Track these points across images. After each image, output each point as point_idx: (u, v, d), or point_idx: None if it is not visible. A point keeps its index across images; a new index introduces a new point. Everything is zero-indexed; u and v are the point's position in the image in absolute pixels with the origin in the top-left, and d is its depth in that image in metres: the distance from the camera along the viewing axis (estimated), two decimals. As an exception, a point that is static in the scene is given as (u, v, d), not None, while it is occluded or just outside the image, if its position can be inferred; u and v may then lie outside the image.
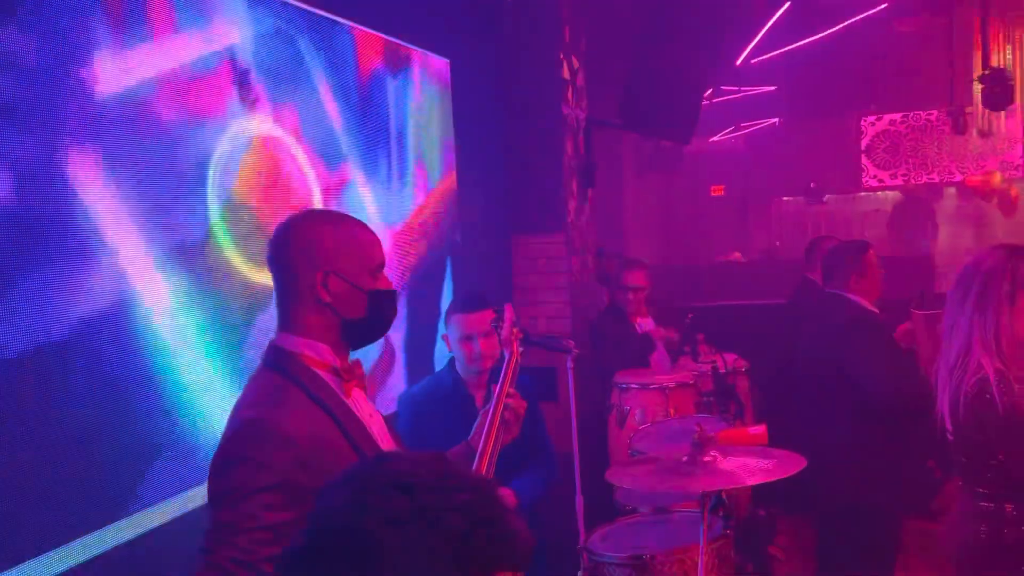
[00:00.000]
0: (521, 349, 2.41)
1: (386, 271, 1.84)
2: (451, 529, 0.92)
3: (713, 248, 11.84)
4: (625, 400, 4.35)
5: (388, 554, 0.90)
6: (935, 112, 11.50)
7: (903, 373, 3.58)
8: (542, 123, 5.09)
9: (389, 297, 1.81)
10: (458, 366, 3.09)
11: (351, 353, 1.82)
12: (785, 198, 12.96)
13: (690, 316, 4.48)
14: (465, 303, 3.08)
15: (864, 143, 12.16)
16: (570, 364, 3.14)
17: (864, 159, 12.20)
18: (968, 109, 7.35)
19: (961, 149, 11.42)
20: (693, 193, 12.34)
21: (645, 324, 4.85)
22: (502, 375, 2.23)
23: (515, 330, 2.37)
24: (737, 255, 10.81)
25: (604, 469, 2.76)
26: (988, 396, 2.41)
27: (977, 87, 6.90)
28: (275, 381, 1.70)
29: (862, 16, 6.37)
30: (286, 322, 1.76)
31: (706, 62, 4.94)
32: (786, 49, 6.86)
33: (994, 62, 6.43)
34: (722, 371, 4.05)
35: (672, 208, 11.93)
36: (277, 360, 1.73)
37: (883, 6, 6.22)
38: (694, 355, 4.42)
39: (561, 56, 5.09)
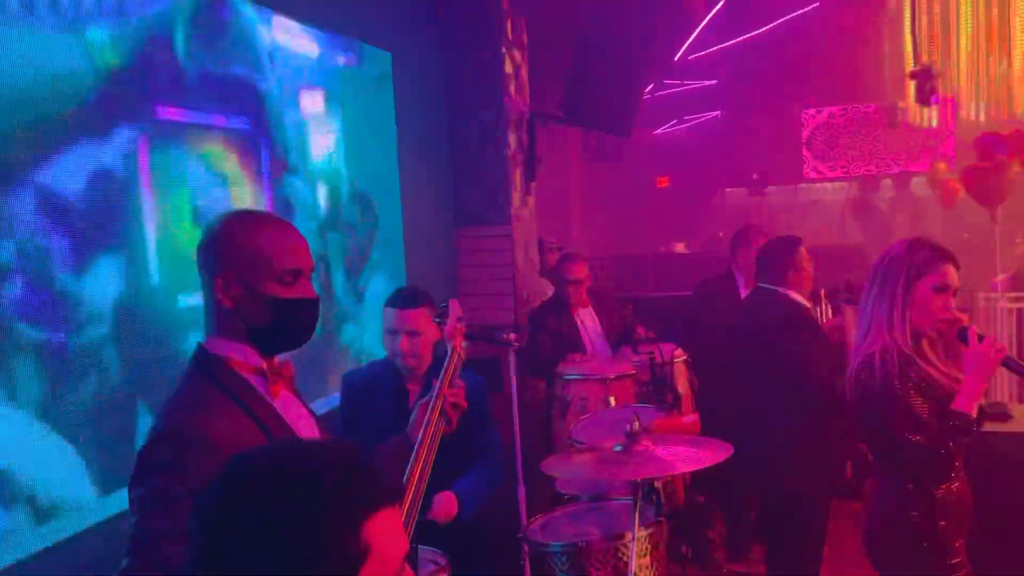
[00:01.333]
0: (465, 344, 2.45)
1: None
2: (319, 484, 0.97)
3: (659, 239, 12.00)
4: (567, 391, 4.41)
5: (269, 527, 0.95)
6: (872, 105, 11.82)
7: (833, 365, 3.71)
8: (485, 116, 5.12)
9: (300, 306, 1.72)
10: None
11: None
12: (728, 190, 13.19)
13: (630, 307, 4.55)
14: (396, 298, 3.05)
15: (804, 135, 12.44)
16: (512, 357, 3.20)
17: (805, 151, 12.48)
18: (901, 104, 7.57)
19: (898, 142, 11.75)
20: (638, 185, 12.50)
21: (585, 315, 4.91)
22: (444, 368, 2.26)
23: (459, 325, 2.40)
24: (680, 246, 10.97)
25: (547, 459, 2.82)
26: (870, 370, 2.51)
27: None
28: (199, 385, 1.68)
29: (796, 14, 6.51)
30: (209, 324, 1.74)
31: (644, 58, 5.02)
32: (723, 46, 6.99)
33: (925, 57, 6.63)
34: (659, 361, 4.13)
35: (618, 199, 12.05)
36: (202, 363, 1.71)
37: (815, 5, 6.37)
38: (633, 345, 4.50)
39: (503, 49, 5.12)
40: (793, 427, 3.69)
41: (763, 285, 3.92)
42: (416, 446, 2.08)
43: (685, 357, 4.70)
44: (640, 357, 4.50)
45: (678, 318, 5.04)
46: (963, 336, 2.53)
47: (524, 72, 5.40)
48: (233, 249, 1.69)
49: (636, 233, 12.16)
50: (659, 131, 11.55)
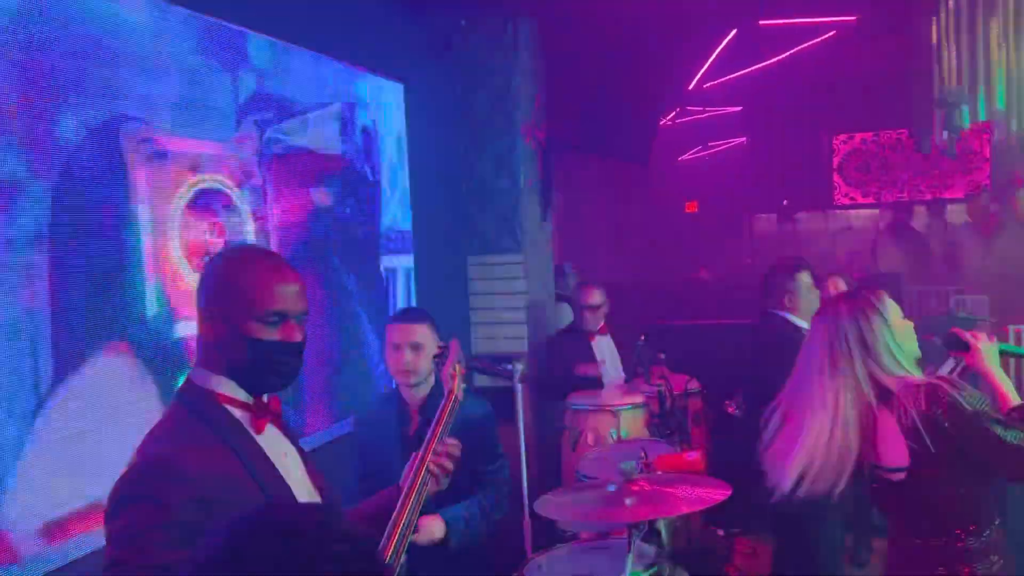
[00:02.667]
0: (463, 385, 2.40)
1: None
2: None
3: (686, 266, 11.89)
4: (577, 421, 4.35)
5: None
6: (905, 131, 11.64)
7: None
8: (500, 145, 5.12)
9: (278, 349, 1.70)
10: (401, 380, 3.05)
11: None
12: (758, 216, 13.06)
13: (643, 336, 4.49)
14: (398, 313, 3.09)
15: (836, 161, 12.29)
16: (518, 386, 3.15)
17: (836, 177, 12.33)
18: (938, 134, 7.43)
19: (932, 168, 11.56)
20: (665, 211, 12.41)
21: (602, 343, 4.86)
22: (436, 417, 2.20)
23: (459, 366, 2.35)
24: (704, 273, 10.86)
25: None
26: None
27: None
28: (181, 418, 1.68)
29: (813, 42, 6.46)
30: (197, 356, 1.76)
31: (660, 86, 4.99)
32: (740, 74, 6.94)
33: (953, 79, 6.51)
34: (676, 392, 4.07)
35: (644, 226, 11.99)
36: (186, 395, 1.72)
37: (831, 34, 6.30)
38: (647, 376, 4.43)
39: (518, 78, 5.12)
40: None
41: (768, 310, 3.90)
42: (401, 499, 2.03)
43: (699, 388, 4.62)
44: (652, 388, 4.44)
45: (697, 347, 4.96)
46: (957, 342, 2.41)
47: (540, 101, 5.39)
48: (219, 284, 1.70)
49: (663, 260, 12.07)
50: (684, 158, 11.48)
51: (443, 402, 2.27)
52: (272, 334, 1.69)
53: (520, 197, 5.12)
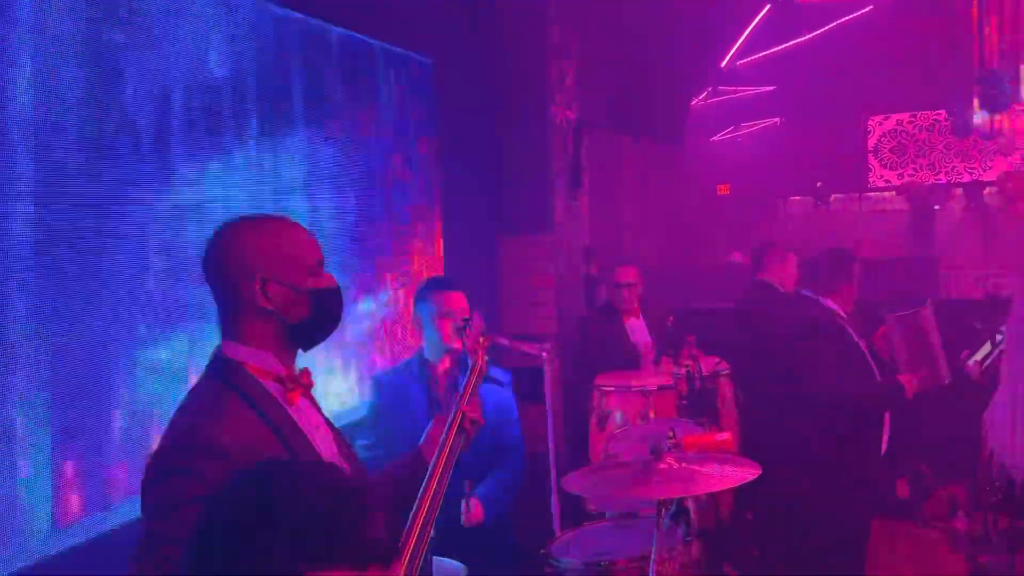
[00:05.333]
0: (487, 358, 2.41)
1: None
2: (290, 515, 0.99)
3: (716, 249, 11.78)
4: (606, 402, 4.34)
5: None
6: (942, 112, 11.42)
7: (856, 376, 3.63)
8: (530, 124, 5.09)
9: (333, 293, 1.77)
10: (429, 347, 3.08)
11: (301, 356, 1.79)
12: (792, 198, 12.90)
13: (671, 319, 4.46)
14: (444, 282, 3.16)
15: (871, 143, 12.09)
16: (546, 366, 3.17)
17: (871, 159, 12.13)
18: (975, 114, 7.25)
19: (970, 150, 11.34)
20: (695, 193, 12.28)
21: (636, 327, 4.84)
22: (463, 384, 2.22)
23: (482, 339, 2.37)
24: (737, 255, 10.74)
25: (584, 471, 2.77)
26: None
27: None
28: (215, 390, 1.68)
29: (849, 17, 6.33)
30: (228, 331, 1.73)
31: (692, 65, 4.92)
32: (774, 51, 6.82)
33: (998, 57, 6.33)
34: (705, 374, 4.04)
35: (673, 208, 11.87)
36: (219, 369, 1.71)
37: (868, 8, 6.17)
38: (676, 358, 4.40)
39: (549, 57, 5.08)
40: (813, 439, 3.60)
41: (804, 292, 3.87)
42: (432, 464, 2.03)
43: (728, 370, 4.59)
44: (681, 369, 4.41)
45: (728, 330, 4.93)
46: None
47: (571, 80, 5.35)
48: (266, 252, 1.70)
49: (692, 242, 11.95)
50: (716, 138, 11.35)
51: (470, 370, 2.28)
52: (323, 282, 1.74)
53: (550, 177, 5.09)
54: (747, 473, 2.43)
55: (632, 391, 4.26)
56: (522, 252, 5.12)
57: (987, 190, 11.48)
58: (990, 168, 11.33)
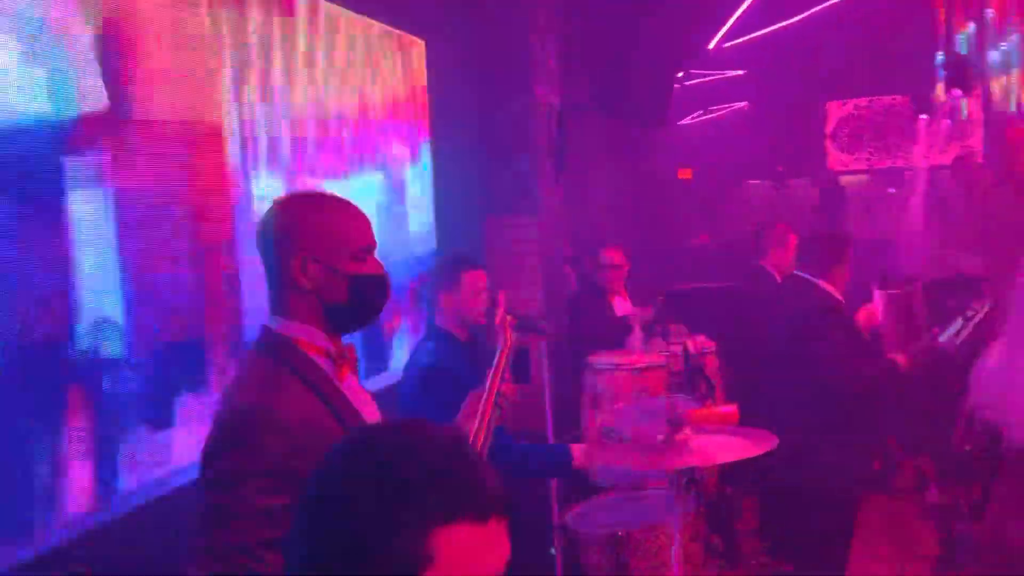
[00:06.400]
0: (515, 335, 2.46)
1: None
2: (410, 475, 0.98)
3: (680, 232, 11.90)
4: (597, 381, 4.40)
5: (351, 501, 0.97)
6: (898, 97, 11.70)
7: (863, 356, 3.72)
8: (515, 106, 5.11)
9: (375, 281, 1.75)
10: (457, 323, 3.13)
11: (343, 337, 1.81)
12: (752, 182, 13.09)
13: (661, 298, 4.54)
14: (472, 260, 3.22)
15: (829, 128, 12.33)
16: (544, 345, 3.22)
17: (828, 143, 12.38)
18: (934, 94, 7.47)
19: (924, 134, 11.62)
20: (660, 177, 12.40)
21: (623, 305, 4.91)
22: (496, 361, 2.26)
23: (508, 317, 2.41)
24: (705, 238, 10.92)
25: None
26: None
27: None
28: (269, 366, 1.69)
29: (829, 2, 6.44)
30: (276, 306, 1.75)
31: (676, 47, 4.98)
32: (758, 34, 6.92)
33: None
34: (694, 351, 4.12)
35: (640, 191, 11.98)
36: (270, 345, 1.72)
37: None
38: (665, 336, 4.48)
39: (533, 39, 5.10)
40: (819, 418, 3.69)
41: (799, 274, 3.93)
42: (473, 434, 2.08)
43: (715, 348, 4.69)
44: (672, 347, 4.50)
45: (708, 309, 5.02)
46: None
47: (554, 61, 5.38)
48: (311, 229, 1.70)
49: (658, 225, 12.07)
50: (684, 122, 11.45)
51: (501, 348, 2.33)
52: (365, 268, 1.73)
53: (535, 158, 5.13)
54: (763, 442, 2.51)
55: (625, 369, 4.33)
56: (508, 233, 5.16)
57: (941, 172, 11.78)
58: (945, 151, 11.62)
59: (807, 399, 3.72)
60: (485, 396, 2.17)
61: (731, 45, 7.11)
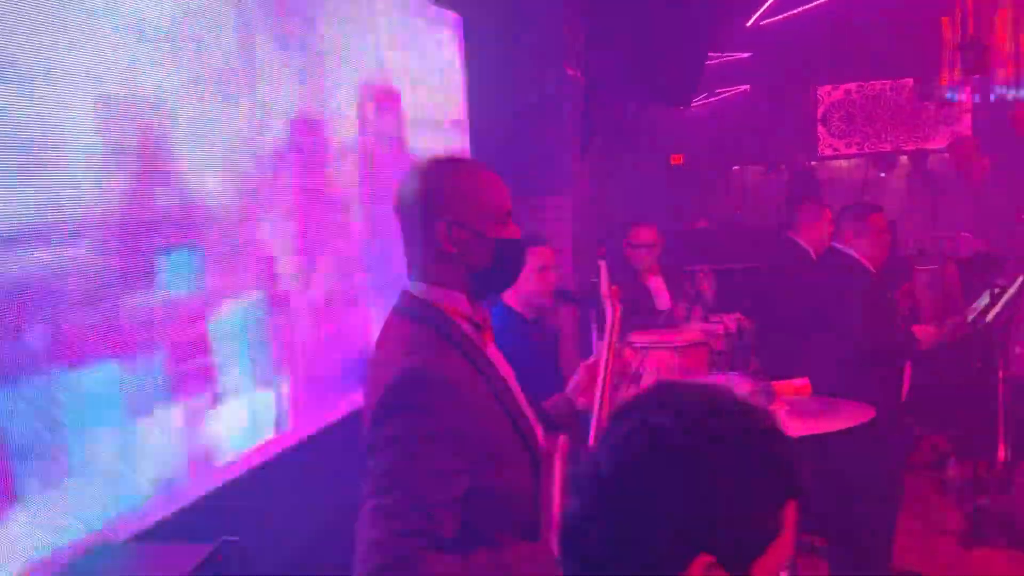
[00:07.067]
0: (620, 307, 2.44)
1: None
2: (766, 452, 0.92)
3: (671, 216, 11.91)
4: (640, 359, 4.38)
5: (721, 471, 0.89)
6: (889, 82, 11.81)
7: (892, 329, 3.78)
8: (545, 85, 5.06)
9: (517, 245, 1.77)
10: (521, 301, 3.11)
11: None
12: (744, 167, 13.15)
13: (711, 276, 4.57)
14: (535, 236, 3.19)
15: (820, 112, 12.41)
16: (610, 319, 3.20)
17: (820, 128, 12.46)
18: (940, 78, 7.53)
19: (914, 119, 11.76)
20: (653, 162, 12.40)
21: (656, 284, 4.89)
22: (608, 330, 2.23)
23: (613, 287, 2.38)
24: (704, 222, 10.95)
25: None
26: None
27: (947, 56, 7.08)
28: (420, 330, 1.68)
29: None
30: (418, 271, 1.73)
31: (711, 21, 4.95)
32: (797, 11, 6.91)
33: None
34: (742, 328, 4.14)
35: (634, 176, 11.97)
36: (417, 309, 1.71)
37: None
38: (705, 314, 4.49)
39: (564, 17, 5.05)
40: (847, 388, 3.71)
41: (834, 246, 4.01)
42: (596, 407, 2.04)
43: (752, 326, 4.70)
44: (711, 326, 4.49)
45: (741, 288, 5.04)
46: None
47: (581, 40, 5.33)
48: (456, 194, 1.69)
49: (652, 210, 12.06)
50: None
51: (611, 317, 2.29)
52: (508, 232, 1.73)
53: (564, 136, 5.09)
54: (860, 413, 2.51)
55: (663, 348, 4.32)
56: (537, 213, 5.11)
57: (931, 157, 11.93)
58: (932, 137, 11.75)
59: (834, 369, 3.76)
60: (605, 367, 2.13)
61: (770, 22, 7.07)
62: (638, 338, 4.44)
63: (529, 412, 1.79)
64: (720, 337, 4.29)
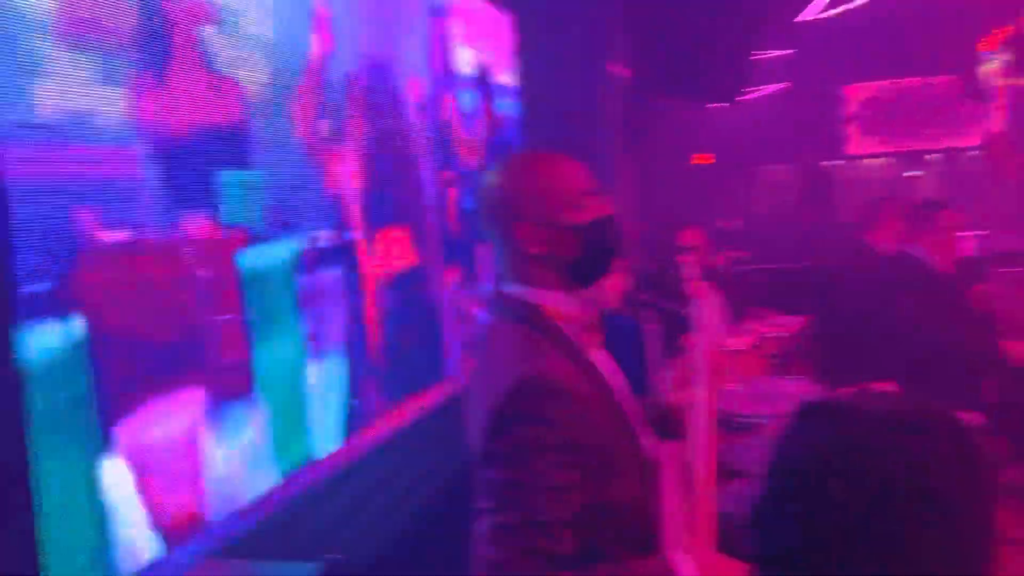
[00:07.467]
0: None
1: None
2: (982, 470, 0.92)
3: (696, 216, 11.79)
4: (692, 363, 4.30)
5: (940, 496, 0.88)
6: (920, 79, 11.67)
7: (962, 331, 3.66)
8: (589, 84, 5.00)
9: (600, 224, 1.67)
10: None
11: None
12: (771, 166, 13.03)
13: (765, 278, 4.49)
14: None
15: (850, 111, 12.27)
16: (705, 315, 3.12)
17: (848, 126, 12.32)
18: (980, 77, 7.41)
19: (946, 116, 11.61)
20: (676, 160, 12.28)
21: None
22: (703, 326, 2.16)
23: (702, 282, 2.32)
24: (739, 221, 10.86)
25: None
26: None
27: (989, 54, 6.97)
28: (526, 333, 1.62)
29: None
30: (512, 274, 1.69)
31: (754, 19, 4.86)
32: (850, 6, 6.80)
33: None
34: (803, 332, 4.06)
35: (656, 175, 11.87)
36: (518, 312, 1.65)
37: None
38: (761, 317, 4.41)
39: (607, 15, 4.99)
40: (929, 391, 3.61)
41: (904, 248, 3.92)
42: (701, 406, 1.95)
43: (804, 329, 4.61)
44: (766, 329, 4.42)
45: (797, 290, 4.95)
46: None
47: (623, 38, 5.26)
48: (526, 194, 1.65)
49: (673, 209, 11.97)
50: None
51: (705, 313, 2.22)
52: (587, 214, 1.65)
53: (609, 136, 5.02)
54: (974, 418, 2.42)
55: (722, 351, 4.22)
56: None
57: (963, 155, 11.78)
58: (966, 134, 11.60)
59: (903, 376, 3.67)
60: (702, 360, 2.04)
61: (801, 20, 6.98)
62: (688, 341, 4.35)
63: (637, 417, 1.73)
64: (775, 340, 4.20)
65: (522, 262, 1.66)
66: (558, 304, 1.65)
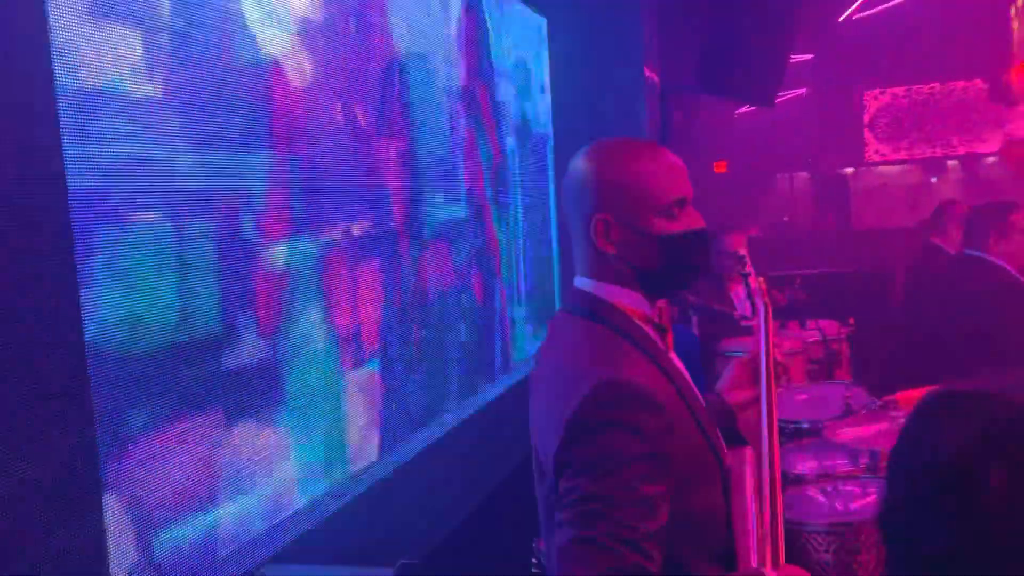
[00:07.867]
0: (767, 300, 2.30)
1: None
2: None
3: (718, 222, 11.74)
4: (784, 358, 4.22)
5: None
6: (936, 84, 11.62)
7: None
8: (623, 87, 4.94)
9: (689, 240, 1.50)
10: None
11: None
12: (790, 174, 12.98)
13: (798, 280, 4.39)
14: None
15: (867, 117, 12.22)
16: (764, 314, 3.06)
17: (867, 133, 12.26)
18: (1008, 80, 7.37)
19: (965, 122, 11.55)
20: (695, 167, 12.21)
21: (738, 292, 4.73)
22: (764, 325, 2.09)
23: (761, 280, 2.24)
24: (755, 231, 10.80)
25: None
26: None
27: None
28: (603, 334, 1.48)
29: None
30: (586, 268, 1.55)
31: (793, 19, 4.80)
32: (887, 5, 6.75)
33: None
34: (830, 336, 3.99)
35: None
36: (593, 308, 1.52)
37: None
38: (801, 321, 4.32)
39: (644, 20, 4.94)
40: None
41: (967, 252, 3.78)
42: (765, 404, 1.88)
43: (849, 332, 4.53)
44: (808, 333, 4.34)
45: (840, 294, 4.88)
46: None
47: (656, 41, 5.21)
48: (610, 186, 1.48)
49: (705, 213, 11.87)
50: (742, 110, 11.31)
51: (765, 311, 2.15)
52: (678, 226, 1.49)
53: (644, 138, 4.96)
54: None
55: (780, 356, 4.15)
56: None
57: (982, 160, 11.72)
58: (985, 140, 11.53)
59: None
60: (764, 362, 1.95)
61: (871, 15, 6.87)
62: (731, 346, 4.28)
63: (711, 423, 1.63)
64: (816, 345, 4.12)
65: (597, 259, 1.52)
66: (637, 304, 1.52)
